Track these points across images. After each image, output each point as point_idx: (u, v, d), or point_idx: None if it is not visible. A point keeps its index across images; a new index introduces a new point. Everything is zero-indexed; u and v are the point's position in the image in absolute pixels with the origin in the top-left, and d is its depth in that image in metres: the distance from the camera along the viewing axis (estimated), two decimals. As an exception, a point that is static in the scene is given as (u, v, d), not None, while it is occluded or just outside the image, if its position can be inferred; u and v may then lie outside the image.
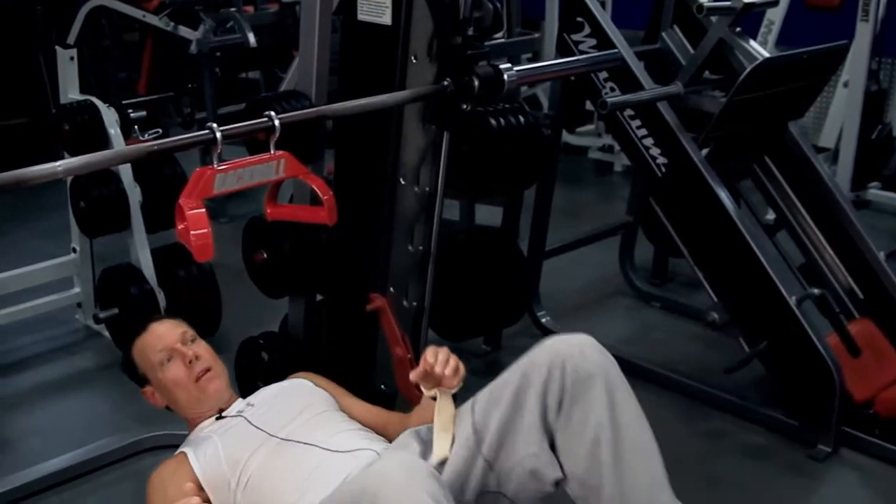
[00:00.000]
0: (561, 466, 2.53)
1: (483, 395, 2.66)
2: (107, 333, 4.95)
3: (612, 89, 4.33)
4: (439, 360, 2.72)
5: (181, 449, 2.90)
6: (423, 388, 2.79)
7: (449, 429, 2.71)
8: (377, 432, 2.94)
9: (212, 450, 2.81)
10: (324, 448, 2.73)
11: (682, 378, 4.62)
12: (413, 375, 2.75)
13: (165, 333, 3.08)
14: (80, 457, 3.99)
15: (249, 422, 2.88)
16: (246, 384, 3.72)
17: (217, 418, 2.98)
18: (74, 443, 4.09)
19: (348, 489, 2.29)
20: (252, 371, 3.82)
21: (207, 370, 3.01)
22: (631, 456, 2.46)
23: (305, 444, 2.72)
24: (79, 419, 4.46)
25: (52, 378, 4.82)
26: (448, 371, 2.71)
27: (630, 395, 2.50)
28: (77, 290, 5.23)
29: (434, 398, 2.76)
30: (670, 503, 2.49)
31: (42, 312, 5.14)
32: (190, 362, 3.00)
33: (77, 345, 5.15)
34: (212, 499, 2.74)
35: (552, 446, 2.52)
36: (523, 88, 6.91)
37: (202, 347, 3.08)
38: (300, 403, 3.00)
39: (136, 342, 3.14)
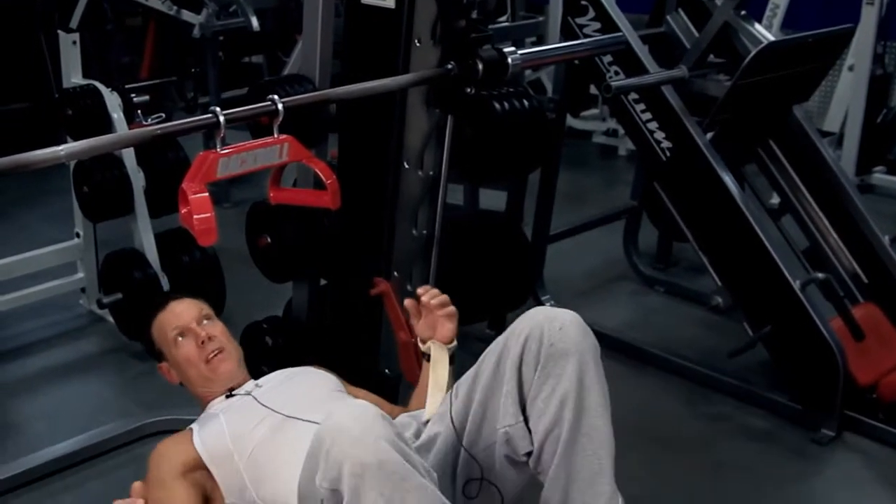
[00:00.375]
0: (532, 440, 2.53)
1: (466, 377, 2.67)
2: (110, 318, 4.94)
3: (617, 73, 4.33)
4: (430, 293, 2.87)
5: (191, 426, 2.91)
6: (419, 343, 2.90)
7: (443, 386, 2.78)
8: None
9: (217, 427, 2.82)
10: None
11: (685, 362, 4.62)
12: (407, 301, 2.92)
13: (182, 312, 3.10)
14: (84, 441, 3.99)
15: (257, 400, 2.89)
16: (250, 368, 3.68)
17: (227, 397, 2.99)
18: (79, 428, 4.09)
19: (310, 446, 2.28)
20: (256, 355, 3.81)
21: (219, 351, 3.02)
22: (585, 440, 2.47)
23: (309, 422, 2.72)
24: (83, 404, 4.46)
25: (57, 363, 4.82)
26: (436, 301, 2.84)
27: (599, 381, 2.49)
28: (80, 275, 5.23)
29: (428, 356, 2.86)
30: (609, 494, 2.48)
31: (46, 297, 5.13)
32: (202, 342, 3.01)
33: (81, 330, 5.14)
34: (215, 473, 2.74)
35: (526, 419, 2.52)
36: (527, 72, 6.90)
37: (217, 328, 3.09)
38: (307, 385, 3.03)
39: (155, 319, 3.15)
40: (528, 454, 2.54)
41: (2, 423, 4.27)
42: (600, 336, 4.75)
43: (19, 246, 5.20)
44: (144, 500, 2.49)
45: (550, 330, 2.47)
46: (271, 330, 3.93)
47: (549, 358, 2.45)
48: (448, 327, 2.88)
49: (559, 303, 5.11)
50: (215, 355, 3.00)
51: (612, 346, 4.76)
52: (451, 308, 2.89)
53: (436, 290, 2.91)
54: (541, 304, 5.08)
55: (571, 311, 2.53)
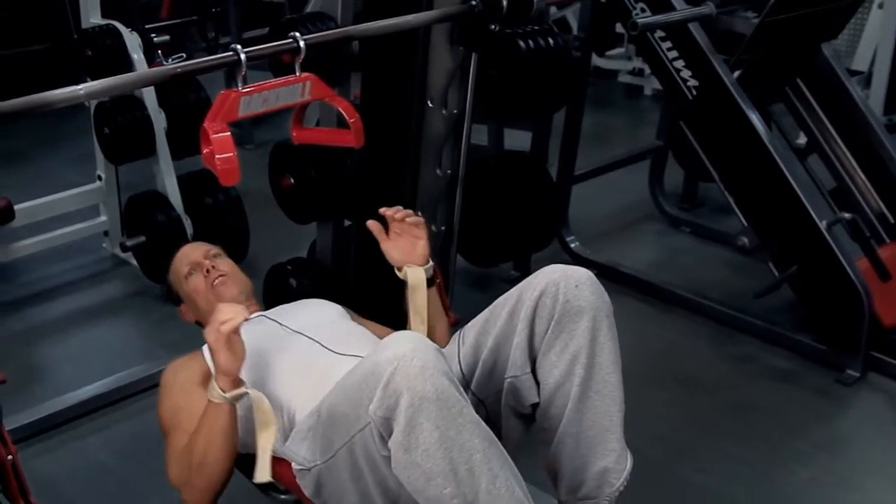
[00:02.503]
0: (538, 392, 2.53)
1: (476, 322, 2.66)
2: (134, 261, 4.94)
3: (643, 10, 4.27)
4: (395, 208, 2.88)
5: (201, 348, 2.90)
6: (396, 272, 2.88)
7: (423, 314, 2.84)
8: None
9: None
10: (326, 346, 2.76)
11: (711, 303, 4.62)
12: (370, 223, 2.89)
13: (191, 251, 3.18)
14: (110, 384, 4.02)
15: (266, 316, 2.97)
16: (274, 310, 3.71)
17: None
18: (104, 370, 4.11)
19: (357, 373, 2.27)
20: (280, 297, 3.80)
21: (223, 275, 3.07)
22: (596, 397, 2.46)
23: (312, 339, 2.77)
24: (108, 347, 4.49)
25: (81, 307, 4.84)
26: (399, 215, 2.84)
27: (612, 339, 2.48)
28: (103, 218, 5.23)
29: (405, 281, 2.86)
30: (619, 451, 2.47)
31: (69, 241, 5.14)
32: (207, 271, 3.06)
33: (104, 273, 5.15)
34: None
35: (535, 371, 2.51)
36: (552, 10, 6.86)
37: (224, 262, 3.15)
38: (314, 309, 3.09)
39: (171, 264, 3.22)
40: (534, 407, 2.54)
41: (28, 367, 4.28)
42: (626, 277, 4.83)
43: (42, 189, 5.20)
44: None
45: (566, 287, 2.45)
46: (295, 271, 3.92)
47: (563, 314, 2.44)
48: (421, 245, 2.87)
49: (584, 244, 5.11)
50: (219, 281, 3.04)
51: (637, 288, 4.78)
52: (420, 218, 2.87)
53: (399, 207, 2.90)
54: (566, 245, 5.08)
55: (587, 270, 2.51)
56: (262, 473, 2.53)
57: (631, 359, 4.02)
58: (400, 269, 2.88)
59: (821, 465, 3.66)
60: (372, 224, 2.90)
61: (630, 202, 5.85)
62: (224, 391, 2.47)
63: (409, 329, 2.83)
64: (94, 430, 3.87)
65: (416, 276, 2.86)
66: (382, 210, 2.89)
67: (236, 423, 2.55)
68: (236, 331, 2.46)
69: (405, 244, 2.88)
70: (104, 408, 3.95)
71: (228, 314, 2.45)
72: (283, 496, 2.65)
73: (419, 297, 2.86)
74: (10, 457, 2.31)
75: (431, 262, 2.90)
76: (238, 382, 2.51)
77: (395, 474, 2.18)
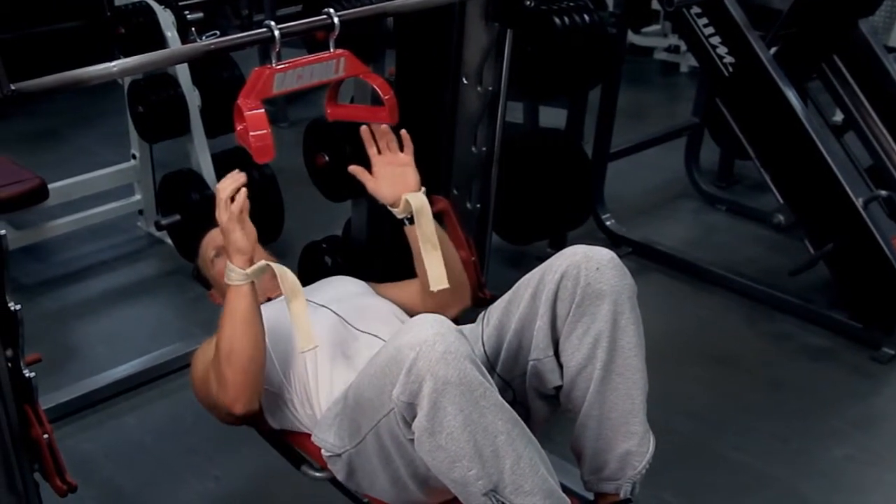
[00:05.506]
0: (561, 375, 2.52)
1: (499, 303, 2.65)
2: (169, 240, 4.96)
3: (679, -14, 4.24)
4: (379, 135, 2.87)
5: None
6: (390, 209, 2.84)
7: (433, 239, 2.79)
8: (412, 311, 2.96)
9: None
10: (346, 321, 2.79)
11: (746, 281, 4.62)
12: (353, 168, 2.88)
13: (217, 235, 3.12)
14: (146, 363, 4.04)
15: None
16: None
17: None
18: (140, 349, 4.14)
19: (380, 358, 2.27)
20: (316, 275, 3.80)
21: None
22: (619, 379, 2.45)
23: (334, 312, 2.80)
24: (143, 326, 4.50)
25: (116, 286, 4.86)
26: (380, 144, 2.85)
27: (635, 322, 2.46)
28: (138, 196, 5.24)
29: (411, 219, 2.80)
30: (641, 434, 2.46)
31: (104, 220, 5.16)
32: None
33: (140, 252, 5.17)
34: None
35: (557, 354, 2.51)
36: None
37: None
38: (339, 285, 3.09)
39: (199, 249, 3.25)
40: (557, 388, 2.55)
41: (63, 346, 4.31)
42: (661, 255, 4.81)
43: (76, 168, 5.23)
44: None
45: (587, 269, 2.44)
46: (330, 249, 3.92)
47: (584, 297, 2.43)
48: (409, 172, 2.83)
49: (620, 222, 5.09)
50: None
51: (673, 265, 4.78)
52: (403, 132, 2.85)
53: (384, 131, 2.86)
54: (601, 222, 5.07)
55: (609, 251, 2.49)
56: (306, 341, 2.55)
57: (666, 337, 4.06)
58: (395, 205, 2.82)
59: (856, 443, 3.66)
60: (354, 168, 2.87)
61: (666, 180, 5.83)
62: (244, 269, 2.50)
63: (427, 263, 2.79)
64: (130, 408, 3.89)
65: (417, 200, 2.78)
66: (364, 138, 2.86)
67: (258, 305, 2.57)
68: (244, 209, 2.51)
69: (393, 178, 2.83)
70: (140, 386, 3.98)
71: (228, 182, 2.54)
72: (317, 473, 2.64)
73: (425, 223, 2.79)
74: (45, 436, 2.31)
75: (424, 188, 2.83)
76: (252, 261, 2.53)
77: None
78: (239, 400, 2.56)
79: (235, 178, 2.55)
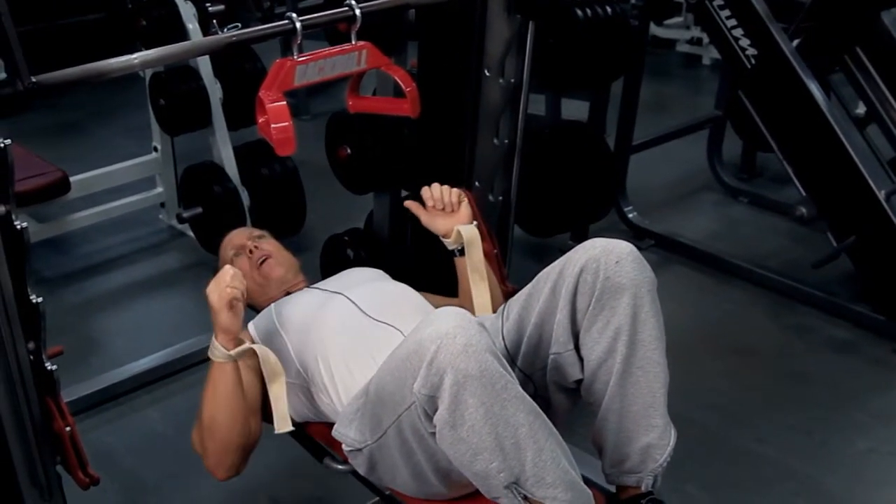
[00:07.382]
0: (582, 368, 2.52)
1: (518, 297, 2.65)
2: (191, 233, 4.96)
3: (702, -22, 4.24)
4: (433, 194, 2.93)
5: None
6: (442, 240, 2.92)
7: (481, 269, 2.88)
8: None
9: (267, 312, 2.90)
10: (362, 309, 2.77)
11: (768, 273, 4.61)
12: (409, 203, 2.97)
13: (235, 236, 3.21)
14: (168, 356, 4.05)
15: (311, 287, 3.00)
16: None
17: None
18: (162, 342, 4.14)
19: (401, 352, 2.27)
20: (337, 267, 3.80)
21: (268, 256, 3.08)
22: (639, 372, 2.44)
23: (349, 299, 2.79)
24: (166, 319, 4.51)
25: (138, 278, 4.86)
26: (444, 194, 2.91)
27: (655, 315, 2.45)
28: (160, 189, 5.25)
29: (461, 251, 2.88)
30: (662, 427, 2.46)
31: (126, 212, 5.17)
32: (251, 252, 3.07)
33: (162, 245, 5.18)
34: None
35: (578, 348, 2.50)
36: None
37: (268, 242, 3.16)
38: (356, 274, 3.11)
39: (219, 251, 3.25)
40: (578, 382, 2.54)
41: (85, 339, 4.32)
42: (683, 247, 4.80)
43: (98, 161, 5.23)
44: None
45: (607, 263, 2.43)
46: (352, 242, 3.92)
47: (603, 291, 2.42)
48: (464, 206, 2.92)
49: (642, 214, 5.09)
50: (264, 261, 3.06)
51: (695, 258, 4.77)
52: (456, 190, 2.93)
53: (437, 186, 2.95)
54: (623, 215, 5.07)
55: (629, 244, 2.48)
56: (282, 423, 2.62)
57: (688, 329, 4.06)
58: (448, 236, 2.89)
59: (879, 436, 3.65)
60: (409, 203, 2.94)
61: (688, 172, 5.82)
62: (227, 349, 2.52)
63: (473, 292, 2.87)
64: (152, 401, 3.90)
65: (469, 232, 2.87)
66: (426, 194, 2.93)
67: (241, 382, 2.58)
68: (236, 297, 2.51)
69: (448, 214, 2.92)
70: (162, 379, 3.99)
71: (234, 282, 2.52)
72: (339, 466, 2.64)
73: (475, 253, 2.88)
74: (68, 428, 2.32)
75: (476, 221, 2.92)
76: (238, 341, 2.55)
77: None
78: (219, 468, 2.62)
79: (239, 286, 2.55)
